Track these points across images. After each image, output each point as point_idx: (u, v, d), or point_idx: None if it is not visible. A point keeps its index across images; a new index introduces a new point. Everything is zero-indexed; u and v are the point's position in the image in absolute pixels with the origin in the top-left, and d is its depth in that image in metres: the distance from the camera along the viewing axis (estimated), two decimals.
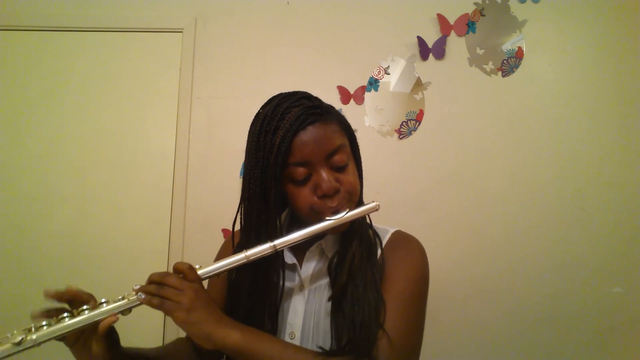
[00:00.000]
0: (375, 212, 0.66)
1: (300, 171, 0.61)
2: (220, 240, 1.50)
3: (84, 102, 1.57)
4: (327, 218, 0.62)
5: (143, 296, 0.54)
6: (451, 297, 1.42)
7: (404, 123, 1.51)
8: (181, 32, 1.59)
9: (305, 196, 0.62)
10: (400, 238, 0.74)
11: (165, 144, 1.56)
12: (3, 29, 1.59)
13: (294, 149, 0.60)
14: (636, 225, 1.42)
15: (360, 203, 0.69)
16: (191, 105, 1.56)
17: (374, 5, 1.57)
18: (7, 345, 0.51)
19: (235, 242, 0.73)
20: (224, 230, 1.50)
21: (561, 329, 1.40)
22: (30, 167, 1.54)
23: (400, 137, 1.51)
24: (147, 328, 1.39)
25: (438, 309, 1.40)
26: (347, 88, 1.54)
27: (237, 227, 0.70)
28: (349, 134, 0.68)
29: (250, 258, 0.59)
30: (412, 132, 1.51)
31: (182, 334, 0.70)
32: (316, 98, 0.67)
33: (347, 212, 0.63)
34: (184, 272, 0.57)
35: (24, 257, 1.51)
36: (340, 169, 0.63)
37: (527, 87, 1.50)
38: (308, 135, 0.60)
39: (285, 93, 0.67)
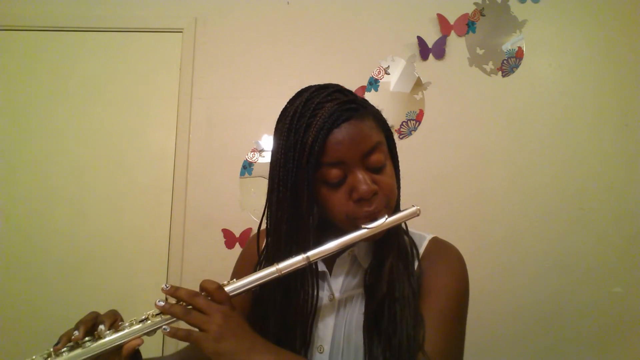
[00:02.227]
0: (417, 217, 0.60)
1: (335, 173, 0.56)
2: (220, 240, 1.51)
3: (84, 102, 1.57)
4: (364, 226, 0.57)
5: (168, 329, 0.51)
6: None
7: (404, 123, 1.51)
8: (181, 32, 1.59)
9: (339, 200, 0.57)
10: (439, 247, 0.68)
11: (165, 144, 1.56)
12: (3, 29, 1.59)
13: (327, 149, 0.55)
14: (636, 225, 1.42)
15: (397, 207, 0.63)
16: (191, 105, 1.56)
17: (374, 5, 1.57)
18: None
19: (260, 244, 0.70)
20: (224, 230, 1.50)
21: (561, 328, 1.40)
22: (30, 167, 1.54)
23: (400, 137, 1.51)
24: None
25: None
26: (347, 88, 1.53)
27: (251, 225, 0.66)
28: (386, 130, 0.63)
29: (283, 272, 0.55)
30: (412, 132, 1.51)
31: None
32: (350, 91, 0.62)
33: (385, 219, 0.57)
34: (211, 292, 0.53)
35: (24, 257, 1.51)
36: (377, 170, 0.58)
37: (527, 87, 1.50)
38: (343, 133, 0.55)
39: (316, 86, 0.62)
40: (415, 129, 1.51)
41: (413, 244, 0.66)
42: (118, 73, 1.59)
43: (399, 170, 0.65)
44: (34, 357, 0.50)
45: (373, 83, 1.54)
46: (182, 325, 0.52)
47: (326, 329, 0.63)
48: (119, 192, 1.54)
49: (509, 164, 1.48)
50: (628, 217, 1.43)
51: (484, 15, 1.53)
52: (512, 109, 1.50)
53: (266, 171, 0.64)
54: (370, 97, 1.53)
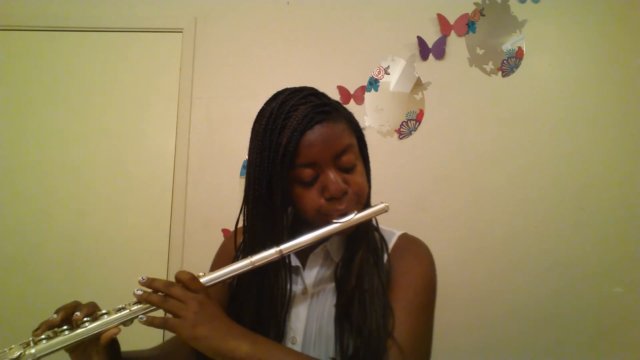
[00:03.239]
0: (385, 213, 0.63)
1: (307, 172, 0.59)
2: (220, 240, 1.50)
3: (84, 102, 1.57)
4: (335, 221, 0.60)
5: (144, 318, 0.53)
6: (451, 297, 1.42)
7: (404, 123, 1.51)
8: (181, 32, 1.59)
9: (312, 198, 0.60)
10: (407, 242, 0.71)
11: (165, 144, 1.56)
12: (3, 29, 1.60)
13: (301, 150, 0.58)
14: (636, 225, 1.42)
15: (368, 204, 0.66)
16: (191, 105, 1.56)
17: (373, 5, 1.57)
18: None
19: (237, 240, 0.72)
20: (224, 230, 1.50)
21: (561, 328, 1.40)
22: (30, 168, 1.54)
23: (400, 137, 1.51)
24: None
25: (438, 308, 1.39)
26: (347, 88, 1.54)
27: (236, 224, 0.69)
28: (357, 132, 0.66)
29: (256, 264, 0.57)
30: (412, 132, 1.51)
31: None
32: (323, 94, 0.65)
33: (355, 215, 0.60)
34: (186, 282, 0.55)
35: (24, 257, 1.51)
36: (348, 169, 0.61)
37: (527, 87, 1.50)
38: (316, 134, 0.58)
39: (291, 89, 0.65)
40: (415, 129, 1.51)
41: (383, 240, 0.69)
42: (118, 73, 1.59)
43: (369, 170, 0.68)
44: (12, 346, 0.50)
45: (373, 83, 1.54)
46: (160, 314, 0.53)
47: (299, 321, 0.66)
48: (119, 192, 1.54)
49: (509, 163, 1.48)
50: (628, 217, 1.43)
51: (484, 15, 1.53)
52: (512, 109, 1.50)
53: None
54: (370, 97, 1.53)
